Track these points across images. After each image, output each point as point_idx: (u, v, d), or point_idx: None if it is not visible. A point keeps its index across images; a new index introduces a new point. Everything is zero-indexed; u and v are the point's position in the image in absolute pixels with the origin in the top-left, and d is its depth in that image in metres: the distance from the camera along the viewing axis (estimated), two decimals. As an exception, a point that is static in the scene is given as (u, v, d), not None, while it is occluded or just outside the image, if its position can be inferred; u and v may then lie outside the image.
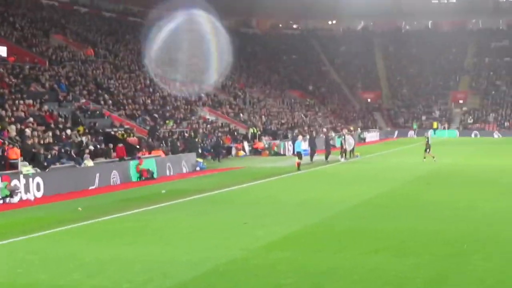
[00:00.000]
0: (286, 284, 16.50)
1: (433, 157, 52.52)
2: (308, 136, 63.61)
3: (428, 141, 56.91)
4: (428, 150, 55.41)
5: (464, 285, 16.20)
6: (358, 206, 29.86)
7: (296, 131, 71.23)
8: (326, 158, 57.06)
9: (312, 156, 57.12)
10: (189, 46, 71.79)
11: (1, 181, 33.59)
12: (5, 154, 38.07)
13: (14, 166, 37.14)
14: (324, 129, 77.02)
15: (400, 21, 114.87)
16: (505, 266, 18.10)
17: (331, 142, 63.05)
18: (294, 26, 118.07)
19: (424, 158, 54.38)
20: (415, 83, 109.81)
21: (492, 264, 18.41)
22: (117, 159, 44.98)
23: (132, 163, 43.91)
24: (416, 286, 16.20)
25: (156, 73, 67.96)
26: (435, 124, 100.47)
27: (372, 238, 22.13)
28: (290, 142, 65.59)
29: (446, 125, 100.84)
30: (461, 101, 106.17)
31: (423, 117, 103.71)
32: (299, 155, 50.16)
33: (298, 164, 48.50)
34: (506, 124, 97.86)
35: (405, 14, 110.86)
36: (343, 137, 61.40)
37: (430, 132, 77.00)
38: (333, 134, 72.15)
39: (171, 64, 70.83)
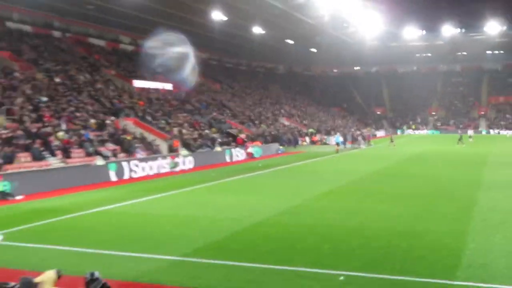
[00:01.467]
0: (330, 218, 16.52)
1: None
2: (343, 133, 63.68)
3: (461, 137, 56.84)
4: (460, 140, 55.60)
5: (432, 220, 15.97)
6: (371, 174, 29.59)
7: (335, 131, 70.92)
8: (352, 146, 57.24)
9: (344, 144, 57.10)
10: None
11: (170, 158, 34.25)
12: (172, 144, 38.78)
13: (176, 150, 37.81)
14: (352, 130, 76.60)
15: (397, 66, 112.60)
16: (460, 209, 17.79)
17: (355, 136, 62.99)
18: (335, 70, 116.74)
19: (464, 144, 54.07)
20: (406, 102, 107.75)
21: (451, 208, 18.10)
22: (234, 146, 45.33)
23: (242, 148, 44.33)
24: (406, 220, 16.04)
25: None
26: (414, 126, 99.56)
27: (378, 193, 21.95)
28: (332, 137, 65.16)
29: (425, 127, 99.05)
30: (433, 113, 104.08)
31: (410, 122, 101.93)
32: (337, 144, 50.45)
33: (337, 150, 48.32)
34: (461, 126, 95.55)
35: (400, 62, 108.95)
36: (361, 134, 62.21)
37: (469, 131, 74.23)
38: (357, 132, 71.42)
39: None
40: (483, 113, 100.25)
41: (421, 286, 9.87)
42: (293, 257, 11.87)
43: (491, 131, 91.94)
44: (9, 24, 50.65)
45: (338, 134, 58.72)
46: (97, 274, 6.54)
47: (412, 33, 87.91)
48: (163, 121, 44.08)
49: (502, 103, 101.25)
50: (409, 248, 12.60)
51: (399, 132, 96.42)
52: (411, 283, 10.04)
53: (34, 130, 30.70)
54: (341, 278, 10.36)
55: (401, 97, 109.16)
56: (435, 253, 12.14)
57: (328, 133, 72.06)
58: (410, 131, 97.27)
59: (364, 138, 60.99)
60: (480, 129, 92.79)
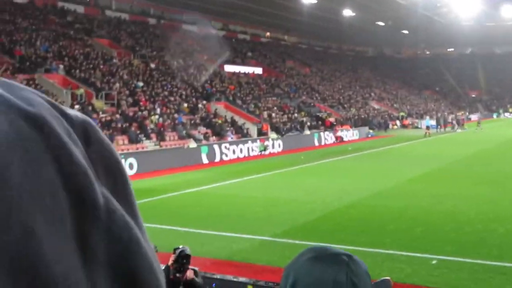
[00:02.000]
0: (423, 201, 16.08)
1: None
2: (435, 117, 61.83)
3: None
4: None
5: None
6: (464, 158, 28.46)
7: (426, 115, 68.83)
8: (444, 129, 55.34)
9: (441, 128, 55.42)
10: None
11: (260, 142, 34.51)
12: (262, 128, 38.99)
13: (265, 134, 38.04)
14: (445, 113, 74.04)
15: (494, 47, 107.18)
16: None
17: (449, 120, 60.87)
18: (427, 52, 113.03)
19: None
20: (503, 85, 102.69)
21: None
22: (323, 130, 45.03)
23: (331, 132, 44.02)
24: (503, 204, 15.28)
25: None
26: (511, 109, 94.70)
27: (473, 176, 21.12)
28: (423, 120, 63.28)
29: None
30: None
31: (508, 105, 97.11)
32: (427, 128, 48.92)
33: (427, 134, 46.90)
34: None
35: (497, 43, 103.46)
36: (455, 117, 60.12)
37: None
38: (451, 115, 68.93)
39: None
40: None
41: (520, 273, 9.42)
42: (384, 239, 11.65)
43: None
44: (108, 12, 52.74)
45: (428, 117, 56.94)
46: (187, 250, 6.67)
47: (511, 12, 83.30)
48: (252, 105, 44.43)
49: None
50: (507, 233, 12.04)
51: (495, 115, 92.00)
52: (510, 269, 9.60)
53: (130, 114, 31.89)
54: (434, 262, 10.07)
55: (498, 79, 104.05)
56: (535, 239, 11.54)
57: (419, 116, 70.03)
58: (507, 115, 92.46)
59: (458, 122, 58.82)
60: None
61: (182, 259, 6.54)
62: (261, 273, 9.44)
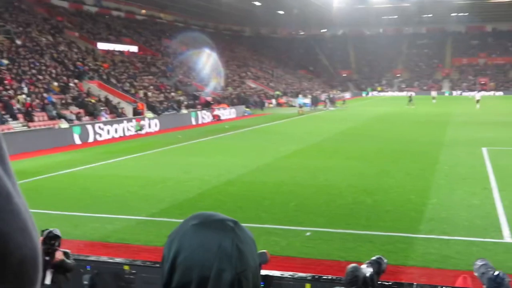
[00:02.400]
0: (297, 176, 16.63)
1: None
2: (309, 96, 63.95)
3: (410, 98, 57.28)
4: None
5: (399, 176, 16.22)
6: (337, 134, 29.79)
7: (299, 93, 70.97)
8: (315, 108, 57.45)
9: (314, 106, 57.35)
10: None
11: (136, 121, 33.90)
12: (137, 107, 38.32)
13: (141, 113, 37.42)
14: (318, 92, 76.85)
15: (363, 28, 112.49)
16: (424, 167, 18.07)
17: (322, 99, 63.28)
18: (301, 33, 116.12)
19: (413, 106, 54.32)
20: (372, 65, 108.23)
21: (416, 164, 18.42)
22: (200, 109, 45.04)
23: (208, 111, 44.16)
24: (371, 176, 16.25)
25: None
26: (379, 88, 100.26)
27: (344, 151, 22.15)
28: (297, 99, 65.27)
29: (389, 89, 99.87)
30: (398, 75, 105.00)
31: (376, 84, 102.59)
32: (300, 106, 50.16)
33: (300, 112, 48.22)
34: (425, 87, 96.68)
35: (366, 24, 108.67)
36: (327, 96, 62.59)
37: (432, 93, 74.56)
38: (323, 94, 71.56)
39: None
40: (446, 74, 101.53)
41: (386, 240, 10.05)
42: (261, 214, 11.93)
43: (454, 92, 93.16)
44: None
45: (300, 96, 58.67)
46: (56, 231, 6.43)
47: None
48: (128, 84, 43.44)
49: (465, 65, 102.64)
50: (374, 204, 12.79)
51: (363, 94, 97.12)
52: (376, 237, 10.22)
53: (-5, 93, 29.93)
54: (308, 234, 10.47)
55: (367, 59, 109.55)
56: (399, 208, 12.36)
57: (294, 95, 72.16)
58: (375, 93, 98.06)
59: (331, 100, 61.17)
60: (443, 91, 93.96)
61: (50, 240, 6.28)
62: (138, 253, 9.32)
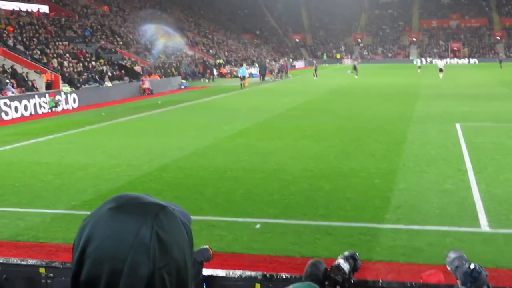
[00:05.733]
0: (243, 160, 16.70)
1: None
2: (257, 64, 64.14)
3: (354, 67, 58.88)
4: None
5: (361, 158, 16.49)
6: (290, 110, 30.00)
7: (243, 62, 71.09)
8: (263, 79, 57.60)
9: (262, 77, 57.54)
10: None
11: (50, 96, 33.30)
12: (51, 79, 37.59)
13: (56, 87, 36.78)
14: (267, 60, 77.13)
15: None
16: (390, 146, 18.43)
17: (270, 68, 63.64)
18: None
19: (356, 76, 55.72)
20: (328, 28, 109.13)
21: (381, 144, 18.75)
22: (127, 81, 44.49)
23: (137, 84, 43.73)
24: (329, 159, 16.47)
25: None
26: (338, 55, 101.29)
27: (299, 130, 22.35)
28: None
29: (348, 56, 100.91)
30: (359, 40, 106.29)
31: (334, 51, 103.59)
32: (242, 78, 49.73)
33: (243, 84, 48.02)
34: (390, 55, 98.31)
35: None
36: (277, 65, 63.25)
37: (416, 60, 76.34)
38: (272, 62, 71.81)
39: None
40: (414, 39, 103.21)
41: (347, 231, 10.24)
42: (202, 204, 11.95)
43: (423, 60, 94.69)
44: None
45: (244, 65, 58.67)
46: None
47: None
48: (38, 52, 42.46)
49: (435, 28, 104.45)
50: (333, 191, 12.99)
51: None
52: (336, 229, 10.39)
53: None
54: (257, 226, 10.57)
55: (323, 21, 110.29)
56: (361, 195, 12.59)
57: (239, 64, 72.14)
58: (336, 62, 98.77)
59: (280, 70, 61.50)
60: (410, 58, 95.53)
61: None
62: (56, 253, 9.22)
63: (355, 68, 59.32)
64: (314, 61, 73.71)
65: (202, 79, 58.32)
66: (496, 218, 10.77)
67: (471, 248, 8.96)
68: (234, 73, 65.34)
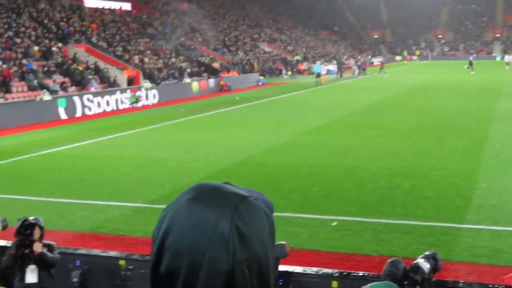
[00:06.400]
0: (320, 156, 16.61)
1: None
2: (335, 61, 63.77)
3: (471, 62, 57.14)
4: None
5: (439, 157, 16.15)
6: (368, 107, 29.68)
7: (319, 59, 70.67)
8: (341, 75, 57.02)
9: (340, 73, 57.13)
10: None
11: (131, 92, 33.98)
12: (132, 75, 38.38)
13: (137, 83, 37.52)
14: (345, 57, 76.62)
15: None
16: (470, 144, 17.99)
17: (348, 65, 63.14)
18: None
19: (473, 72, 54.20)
20: (408, 24, 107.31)
21: (461, 142, 18.32)
22: (206, 76, 44.98)
23: (216, 80, 44.13)
24: (407, 157, 16.20)
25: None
26: (418, 52, 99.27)
27: (376, 128, 22.05)
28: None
29: (430, 52, 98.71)
30: (440, 36, 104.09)
31: (414, 47, 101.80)
32: (317, 74, 49.17)
33: (318, 81, 47.71)
34: (472, 51, 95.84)
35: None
36: (355, 61, 62.51)
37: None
38: (351, 60, 71.21)
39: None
40: (498, 35, 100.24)
41: (426, 231, 10.03)
42: (279, 201, 11.93)
43: (507, 57, 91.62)
44: None
45: (318, 62, 58.16)
46: (37, 220, 6.40)
47: None
48: (120, 48, 43.43)
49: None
50: (412, 189, 12.76)
51: (398, 58, 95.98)
52: (415, 228, 10.20)
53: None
54: (334, 223, 10.49)
55: (403, 17, 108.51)
56: (441, 194, 12.32)
57: (317, 60, 71.88)
58: (415, 58, 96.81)
59: (359, 67, 60.87)
60: (494, 55, 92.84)
61: (25, 230, 6.23)
62: (135, 246, 9.40)
63: (471, 63, 57.41)
64: (382, 59, 72.46)
65: (283, 75, 58.26)
66: None
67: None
68: (312, 70, 65.21)
